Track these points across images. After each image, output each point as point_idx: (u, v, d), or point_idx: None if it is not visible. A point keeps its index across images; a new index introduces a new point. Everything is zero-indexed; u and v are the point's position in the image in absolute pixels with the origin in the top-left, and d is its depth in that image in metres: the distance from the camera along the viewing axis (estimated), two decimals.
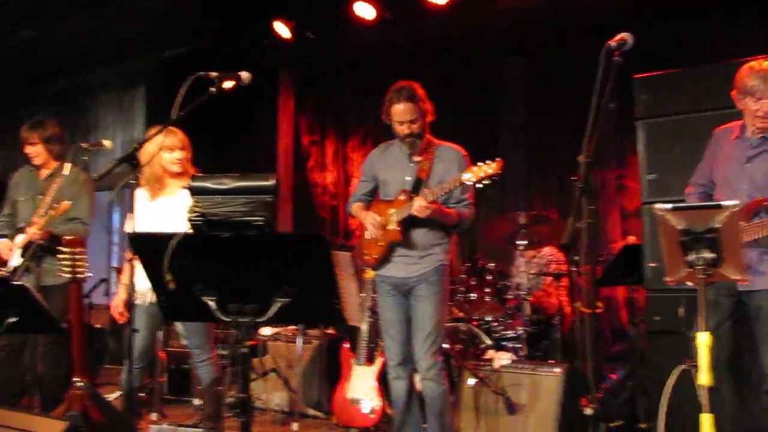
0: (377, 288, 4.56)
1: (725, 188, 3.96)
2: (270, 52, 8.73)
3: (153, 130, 4.01)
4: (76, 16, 8.27)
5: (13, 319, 3.64)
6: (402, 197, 4.34)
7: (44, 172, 5.39)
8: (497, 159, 3.93)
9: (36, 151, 5.35)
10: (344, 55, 8.84)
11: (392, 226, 4.33)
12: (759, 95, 3.80)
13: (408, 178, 4.39)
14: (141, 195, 4.71)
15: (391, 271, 4.41)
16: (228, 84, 3.81)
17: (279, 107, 9.46)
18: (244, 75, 3.75)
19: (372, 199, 4.64)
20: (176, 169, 4.68)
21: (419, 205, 4.05)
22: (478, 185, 4.01)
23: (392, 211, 4.35)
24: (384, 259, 4.41)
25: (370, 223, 4.42)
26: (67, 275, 3.57)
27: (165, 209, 4.58)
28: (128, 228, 4.61)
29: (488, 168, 3.94)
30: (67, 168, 5.26)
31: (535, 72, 7.67)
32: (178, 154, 4.67)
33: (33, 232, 4.93)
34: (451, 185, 4.09)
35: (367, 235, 4.48)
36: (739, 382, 3.84)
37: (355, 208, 4.64)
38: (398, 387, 4.42)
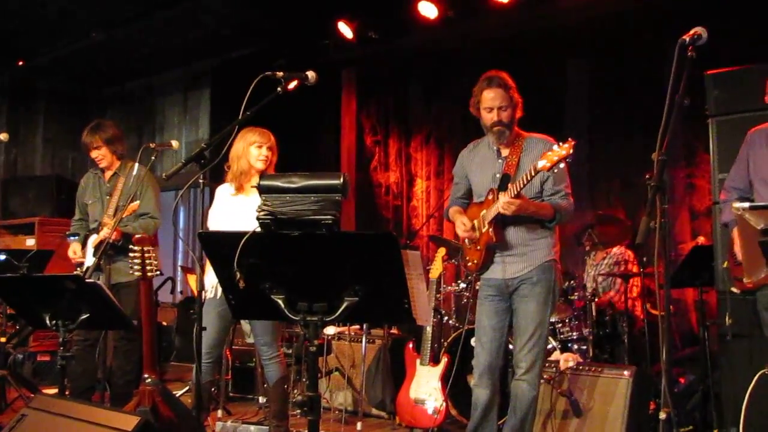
0: (479, 292, 4.44)
1: (766, 190, 3.86)
2: (333, 52, 8.75)
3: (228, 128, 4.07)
4: (142, 19, 8.40)
5: (86, 316, 3.72)
6: (490, 197, 4.23)
7: (108, 174, 5.52)
8: (569, 139, 3.81)
9: (101, 155, 5.47)
10: (407, 54, 8.82)
11: (485, 228, 4.23)
12: None
13: (497, 176, 4.28)
14: (224, 190, 4.85)
15: (493, 273, 4.30)
16: (293, 84, 3.84)
17: (342, 107, 9.48)
18: (310, 75, 3.77)
19: (468, 201, 4.54)
20: (261, 165, 4.77)
21: (504, 202, 3.95)
22: (554, 169, 3.87)
23: (483, 212, 4.26)
24: (485, 263, 4.30)
25: (460, 231, 4.35)
26: (138, 273, 3.62)
27: (244, 207, 4.66)
28: (211, 222, 4.73)
29: (561, 150, 3.79)
30: (129, 166, 5.40)
31: (598, 71, 7.59)
32: (266, 151, 4.79)
33: (106, 233, 5.05)
34: (529, 175, 3.93)
35: (466, 241, 4.41)
36: None
37: (452, 212, 4.55)
38: (479, 394, 4.28)
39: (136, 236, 3.68)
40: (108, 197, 5.37)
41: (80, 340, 5.21)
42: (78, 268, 5.29)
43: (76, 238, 5.47)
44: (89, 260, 5.27)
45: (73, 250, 5.40)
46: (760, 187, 3.96)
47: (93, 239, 5.29)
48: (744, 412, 3.72)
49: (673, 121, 3.09)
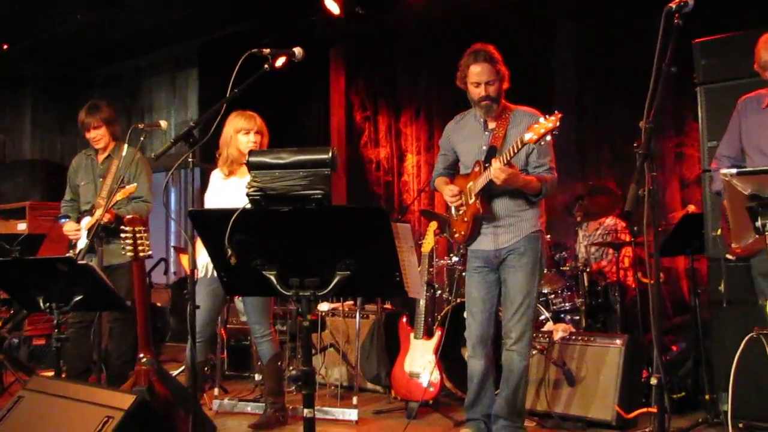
0: (468, 264, 4.47)
1: (760, 158, 3.88)
2: (320, 28, 8.73)
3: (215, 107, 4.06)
4: (126, 1, 8.35)
5: (79, 298, 3.73)
6: (477, 169, 4.26)
7: (102, 156, 5.50)
8: (556, 112, 3.81)
9: (100, 134, 5.44)
10: (394, 29, 8.81)
11: (472, 200, 4.26)
12: None
13: (483, 148, 4.29)
14: (217, 175, 4.87)
15: (480, 245, 4.33)
16: (281, 61, 3.82)
17: (330, 84, 9.47)
18: (297, 51, 3.76)
19: (454, 172, 4.56)
20: None
21: (495, 168, 3.93)
22: (540, 142, 3.87)
23: (470, 184, 4.28)
24: (472, 235, 4.33)
25: (448, 195, 4.37)
26: (130, 254, 3.62)
27: (235, 189, 4.68)
28: (207, 206, 4.75)
29: (547, 123, 3.80)
30: (124, 149, 5.36)
31: (587, 37, 7.58)
32: (253, 137, 4.81)
33: (100, 214, 5.04)
34: (516, 147, 3.93)
35: (453, 212, 4.43)
36: None
37: (438, 182, 4.58)
38: (474, 366, 4.34)
39: (127, 217, 3.67)
40: (101, 179, 5.35)
41: (75, 322, 5.22)
42: (71, 251, 5.28)
43: (67, 220, 5.45)
44: (82, 242, 5.27)
45: (75, 228, 5.36)
46: (753, 155, 3.98)
47: (86, 221, 5.28)
48: (733, 376, 3.75)
49: (661, 89, 3.10)
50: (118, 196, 5.07)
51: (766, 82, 3.94)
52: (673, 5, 3.16)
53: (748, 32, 5.02)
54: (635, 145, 3.09)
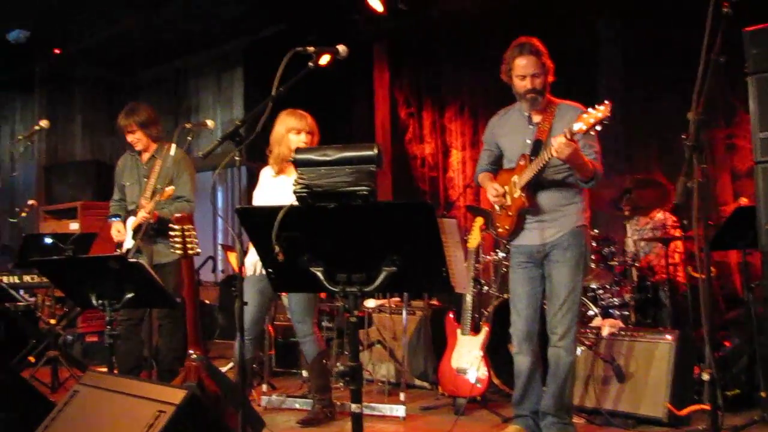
0: (511, 260, 4.46)
1: None
2: (363, 26, 8.75)
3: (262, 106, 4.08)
4: (172, 2, 8.46)
5: (131, 295, 3.80)
6: (522, 162, 4.24)
7: (145, 156, 5.56)
8: (605, 102, 3.77)
9: (136, 138, 5.49)
10: (437, 24, 8.78)
11: (517, 194, 4.24)
12: None
13: (528, 142, 4.27)
14: (266, 173, 4.92)
15: (525, 240, 4.32)
16: (325, 59, 3.84)
17: (374, 81, 9.49)
18: (341, 48, 3.77)
19: (498, 167, 4.54)
20: None
21: (560, 143, 3.84)
22: (591, 131, 3.83)
23: (515, 178, 4.26)
24: (516, 229, 4.31)
25: (491, 195, 4.36)
26: (179, 252, 3.67)
27: (282, 187, 4.74)
28: (256, 203, 4.79)
29: (597, 113, 3.76)
30: (167, 148, 5.41)
31: (633, 28, 7.50)
32: (304, 137, 4.86)
33: (143, 216, 5.12)
34: (566, 136, 3.86)
35: (497, 207, 4.42)
36: None
37: (482, 178, 4.56)
38: (521, 362, 4.33)
39: (176, 216, 3.72)
40: (145, 179, 5.41)
41: (124, 320, 5.27)
42: (118, 249, 5.36)
43: (118, 218, 5.54)
44: (128, 242, 5.35)
45: (117, 229, 5.45)
46: None
47: (131, 221, 5.37)
48: None
49: (710, 79, 3.07)
50: (158, 198, 5.15)
51: None
52: None
53: None
54: (684, 137, 3.06)
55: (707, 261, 3.22)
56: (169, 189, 5.19)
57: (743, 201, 5.97)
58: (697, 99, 3.04)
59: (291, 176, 4.82)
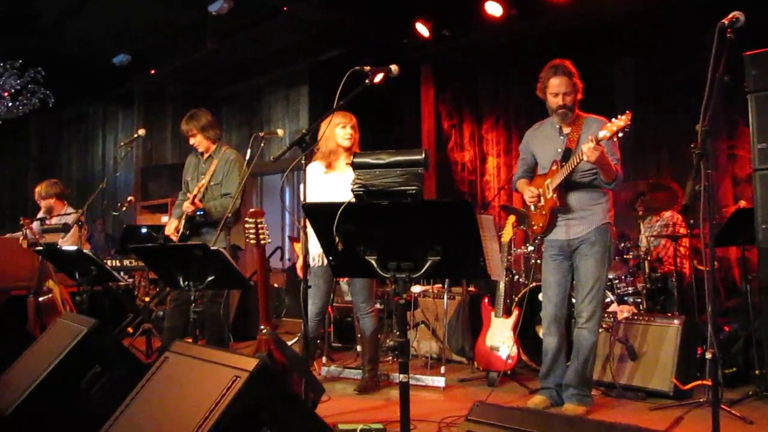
0: (544, 252, 4.44)
1: None
2: (412, 49, 8.74)
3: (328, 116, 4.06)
4: (249, 29, 8.54)
5: (212, 278, 3.84)
6: (554, 167, 4.24)
7: (206, 156, 5.45)
8: (627, 111, 3.76)
9: (198, 141, 5.39)
10: (477, 48, 8.75)
11: (550, 195, 4.23)
12: None
13: (559, 150, 4.27)
14: (316, 168, 4.88)
15: (556, 235, 4.30)
16: (379, 76, 3.83)
17: (421, 97, 9.47)
18: (393, 68, 3.76)
19: (532, 174, 4.54)
20: (347, 143, 4.81)
21: (589, 148, 3.83)
22: (613, 139, 3.84)
23: (548, 181, 4.26)
24: (549, 226, 4.30)
25: (528, 197, 4.36)
26: (252, 241, 3.69)
27: (336, 183, 4.72)
28: (310, 198, 4.77)
29: (619, 122, 3.76)
30: (224, 150, 5.37)
31: (645, 56, 7.46)
32: (350, 130, 4.83)
33: (186, 207, 5.11)
34: (592, 142, 3.86)
35: (532, 207, 4.41)
36: None
37: (520, 184, 4.55)
38: (549, 341, 4.31)
39: (251, 210, 3.74)
40: (202, 176, 5.32)
41: (173, 299, 5.21)
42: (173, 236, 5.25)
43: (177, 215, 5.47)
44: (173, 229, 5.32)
45: (173, 227, 5.32)
46: None
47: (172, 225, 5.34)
48: None
49: (715, 96, 3.01)
50: (195, 191, 5.13)
51: None
52: (725, 21, 3.07)
53: None
54: (692, 146, 3.01)
55: (712, 255, 3.15)
56: (201, 183, 5.17)
57: (742, 204, 5.87)
58: (704, 113, 2.99)
59: (341, 173, 4.79)
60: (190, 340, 3.78)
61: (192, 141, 5.44)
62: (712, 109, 3.01)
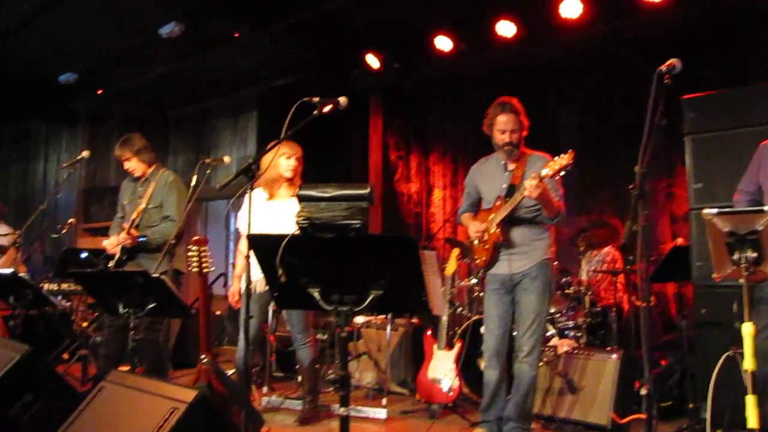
0: (486, 286, 4.48)
1: None
2: (362, 80, 8.81)
3: (271, 145, 4.06)
4: (199, 53, 8.51)
5: (152, 305, 3.78)
6: (498, 203, 4.30)
7: (142, 179, 5.35)
8: (570, 150, 3.85)
9: (133, 165, 5.30)
10: (426, 81, 8.87)
11: (493, 229, 4.28)
12: None
13: (503, 186, 4.33)
14: (258, 196, 4.84)
15: (499, 269, 4.33)
16: (328, 108, 3.85)
17: (370, 127, 9.54)
18: (342, 100, 3.78)
19: (477, 209, 4.59)
20: (289, 174, 4.81)
21: (531, 185, 3.89)
22: (556, 177, 3.92)
23: (492, 216, 4.31)
24: (492, 260, 4.34)
25: (472, 231, 4.40)
26: (195, 269, 3.66)
27: (278, 212, 4.71)
28: (241, 223, 4.72)
29: (562, 160, 3.86)
30: (161, 173, 5.29)
31: (587, 102, 7.66)
32: (293, 162, 4.82)
33: (123, 237, 4.98)
34: (535, 179, 3.92)
35: (475, 241, 4.44)
36: None
37: (464, 218, 4.60)
38: (490, 375, 4.33)
39: (194, 238, 3.71)
40: (140, 199, 5.22)
41: (109, 326, 5.06)
42: (110, 263, 5.11)
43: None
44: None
45: (110, 242, 5.16)
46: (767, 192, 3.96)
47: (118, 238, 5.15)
48: (712, 388, 3.72)
49: (653, 139, 3.11)
50: (134, 215, 5.04)
51: None
52: (663, 68, 3.19)
53: (727, 91, 5.06)
54: (630, 187, 3.10)
55: (647, 292, 3.25)
56: (140, 208, 5.06)
57: (679, 241, 6.01)
58: (642, 155, 3.08)
59: (282, 201, 4.78)
60: (128, 368, 3.71)
61: (127, 165, 5.33)
62: (651, 151, 3.12)
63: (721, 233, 2.98)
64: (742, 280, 3.04)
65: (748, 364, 2.85)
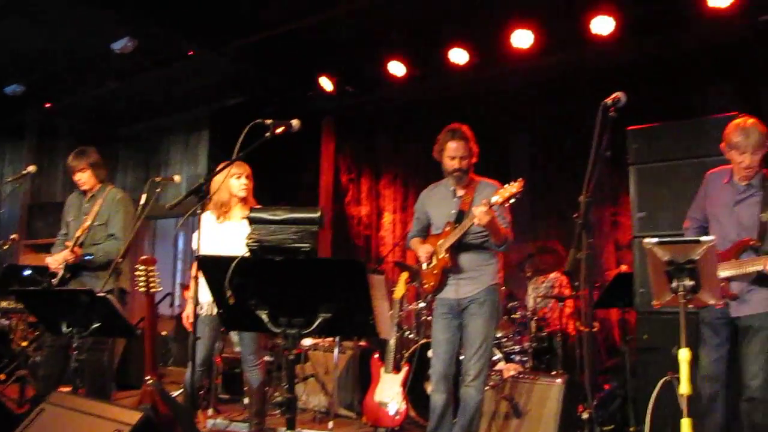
0: (434, 310, 4.49)
1: (717, 227, 3.98)
2: (315, 101, 8.84)
3: (221, 166, 4.05)
4: (153, 70, 8.44)
5: (97, 325, 3.72)
6: (447, 228, 4.33)
7: (89, 195, 5.26)
8: (519, 179, 3.91)
9: (85, 178, 5.21)
10: (378, 105, 8.94)
11: (442, 254, 4.31)
12: (742, 149, 3.86)
13: (453, 212, 4.37)
14: (208, 218, 4.80)
15: (447, 294, 4.36)
16: (280, 130, 3.87)
17: (322, 149, 9.57)
18: (295, 123, 3.80)
19: (426, 234, 4.61)
20: (242, 194, 4.77)
21: (480, 211, 3.94)
22: (505, 204, 3.98)
23: (441, 241, 4.34)
24: (440, 285, 4.36)
25: (422, 254, 4.42)
26: (142, 289, 3.62)
27: (229, 233, 4.66)
28: (194, 245, 4.67)
29: (512, 188, 3.91)
30: (108, 190, 5.22)
31: (539, 131, 7.82)
32: (245, 180, 4.78)
33: (65, 256, 4.90)
34: (485, 206, 3.97)
35: (424, 266, 4.47)
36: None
37: (413, 242, 4.63)
38: (436, 399, 4.32)
39: (142, 257, 3.68)
40: (85, 216, 5.12)
41: (48, 345, 4.95)
42: (53, 280, 5.03)
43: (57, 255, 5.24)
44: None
45: (54, 259, 5.06)
46: (712, 221, 4.08)
47: (62, 255, 5.05)
48: (650, 411, 3.81)
49: (597, 169, 3.21)
50: (79, 232, 4.96)
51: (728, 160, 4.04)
52: (608, 101, 3.29)
53: (669, 123, 5.24)
54: (575, 216, 3.18)
55: (591, 317, 3.33)
56: (85, 225, 4.99)
57: (623, 268, 6.15)
58: (586, 185, 3.17)
59: (236, 222, 4.76)
60: (69, 389, 3.64)
61: (78, 177, 5.23)
62: (596, 181, 3.21)
63: (661, 262, 3.08)
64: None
65: (684, 388, 2.94)
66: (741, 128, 3.87)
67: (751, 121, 3.90)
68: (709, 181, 4.19)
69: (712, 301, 3.15)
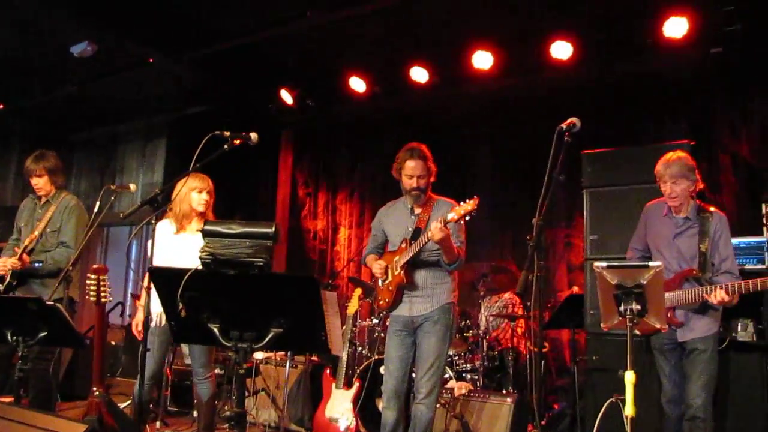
0: (388, 327, 4.50)
1: (659, 258, 4.10)
2: (274, 114, 8.83)
3: (179, 177, 4.02)
4: (111, 76, 8.35)
5: (44, 334, 3.65)
6: (403, 245, 4.36)
7: (43, 200, 5.21)
8: (474, 197, 3.96)
9: (42, 182, 5.16)
10: (338, 121, 8.97)
11: (397, 271, 4.33)
12: (663, 179, 4.06)
13: (409, 229, 4.41)
14: (166, 227, 4.76)
15: (401, 311, 4.38)
16: (237, 142, 3.87)
17: (279, 162, 9.55)
18: (253, 136, 3.81)
19: (382, 251, 4.65)
20: (202, 209, 4.75)
21: (436, 228, 3.98)
22: (461, 221, 4.01)
23: (396, 258, 4.37)
24: (395, 302, 4.38)
25: (376, 270, 4.44)
26: (93, 299, 3.58)
27: (185, 246, 4.63)
28: (156, 257, 4.62)
29: (467, 206, 3.95)
30: (63, 196, 5.15)
31: (500, 151, 7.90)
32: (206, 196, 4.76)
33: (12, 263, 4.82)
34: (441, 223, 4.00)
35: (380, 282, 4.49)
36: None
37: (369, 259, 4.64)
38: (388, 415, 4.32)
39: (94, 266, 3.63)
40: (37, 222, 5.05)
41: None
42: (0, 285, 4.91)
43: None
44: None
45: (2, 263, 4.93)
46: (653, 251, 4.21)
47: (9, 261, 4.94)
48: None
49: (551, 192, 3.27)
50: (27, 242, 4.89)
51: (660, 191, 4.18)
52: (564, 126, 3.37)
53: (622, 149, 5.36)
54: (528, 238, 3.24)
55: (541, 338, 3.38)
56: (33, 235, 4.91)
57: (575, 289, 6.25)
58: (540, 207, 3.23)
59: (192, 234, 4.73)
60: (11, 400, 3.56)
61: (35, 181, 5.16)
62: (549, 203, 3.28)
63: (610, 285, 3.15)
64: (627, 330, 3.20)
65: (629, 410, 3.00)
66: (664, 159, 4.09)
67: (678, 154, 4.08)
68: (648, 213, 4.33)
69: (657, 325, 3.23)
